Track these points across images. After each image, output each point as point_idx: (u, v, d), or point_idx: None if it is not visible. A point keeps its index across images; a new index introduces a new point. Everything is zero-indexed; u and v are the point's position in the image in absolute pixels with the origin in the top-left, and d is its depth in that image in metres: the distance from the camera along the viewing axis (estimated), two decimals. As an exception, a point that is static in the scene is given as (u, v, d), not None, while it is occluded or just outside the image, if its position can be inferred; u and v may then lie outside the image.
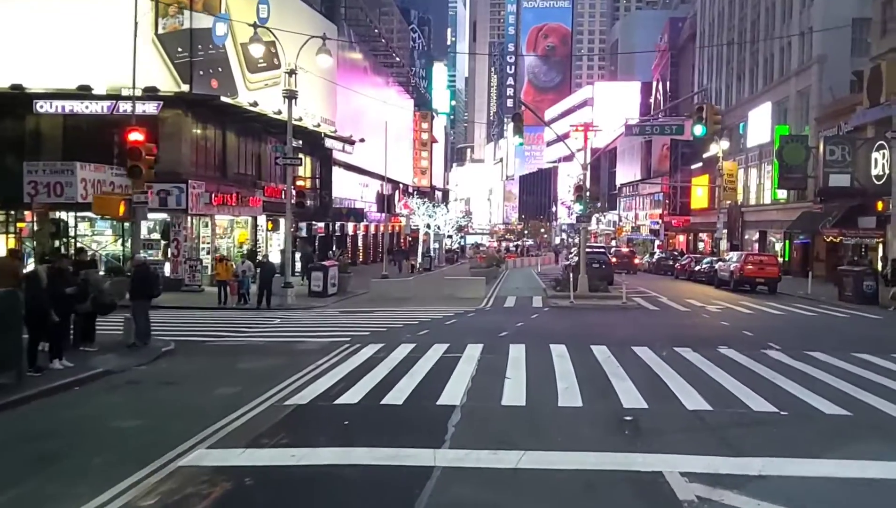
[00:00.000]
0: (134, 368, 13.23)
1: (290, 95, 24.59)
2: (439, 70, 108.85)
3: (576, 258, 35.59)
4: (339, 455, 7.88)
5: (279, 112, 30.63)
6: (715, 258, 39.28)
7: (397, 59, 63.34)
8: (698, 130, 21.77)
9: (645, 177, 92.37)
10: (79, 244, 27.91)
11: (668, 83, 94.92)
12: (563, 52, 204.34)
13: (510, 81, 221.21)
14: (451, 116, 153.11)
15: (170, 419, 9.73)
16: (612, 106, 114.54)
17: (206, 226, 31.47)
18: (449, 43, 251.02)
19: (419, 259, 52.99)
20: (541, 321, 20.68)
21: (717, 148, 46.04)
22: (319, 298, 27.23)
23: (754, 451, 8.07)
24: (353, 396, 10.75)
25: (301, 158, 25.56)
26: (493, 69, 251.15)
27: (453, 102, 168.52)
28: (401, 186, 69.05)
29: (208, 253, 31.02)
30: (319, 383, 11.67)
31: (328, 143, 37.06)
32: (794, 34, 47.39)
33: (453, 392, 10.89)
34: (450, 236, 71.46)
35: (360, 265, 54.10)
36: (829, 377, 12.36)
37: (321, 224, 46.63)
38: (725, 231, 48.81)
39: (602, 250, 35.89)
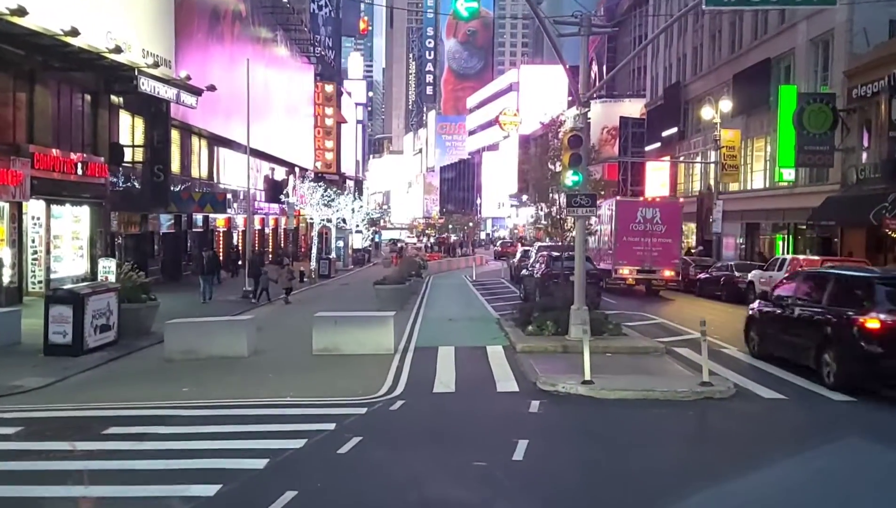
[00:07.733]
0: None
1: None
2: (355, 59, 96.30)
3: (540, 266, 22.93)
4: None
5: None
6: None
7: (285, 2, 48.94)
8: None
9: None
10: None
11: (604, 65, 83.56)
12: (485, 37, 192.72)
13: (429, 67, 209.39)
14: (369, 108, 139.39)
15: None
16: (539, 91, 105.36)
17: None
18: (366, 32, 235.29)
19: (312, 264, 39.37)
20: None
21: (713, 112, 34.27)
22: (63, 358, 13.55)
23: None
24: None
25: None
26: (411, 56, 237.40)
27: (371, 93, 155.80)
28: (297, 169, 55.09)
29: None
30: None
31: (145, 84, 22.22)
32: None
33: None
34: (360, 232, 58.01)
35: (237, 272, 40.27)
36: None
37: (169, 217, 32.50)
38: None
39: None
